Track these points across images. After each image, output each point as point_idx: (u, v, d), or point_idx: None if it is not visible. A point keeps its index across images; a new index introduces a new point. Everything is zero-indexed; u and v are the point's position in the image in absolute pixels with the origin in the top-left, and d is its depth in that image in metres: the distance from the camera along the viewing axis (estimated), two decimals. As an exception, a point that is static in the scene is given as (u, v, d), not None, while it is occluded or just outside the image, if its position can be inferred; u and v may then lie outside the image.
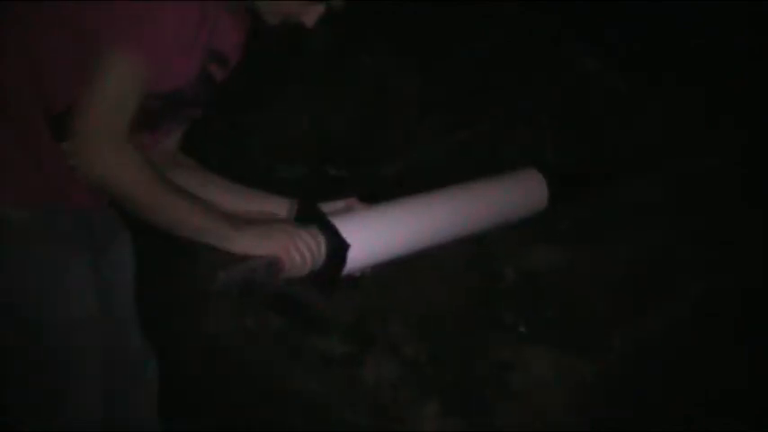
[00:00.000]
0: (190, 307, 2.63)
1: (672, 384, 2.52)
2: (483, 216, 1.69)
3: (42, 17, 1.37)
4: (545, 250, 2.88)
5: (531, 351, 2.65)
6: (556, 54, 3.43)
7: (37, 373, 1.46)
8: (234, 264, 1.33)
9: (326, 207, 1.52)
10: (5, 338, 1.45)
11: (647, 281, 2.79)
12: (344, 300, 2.71)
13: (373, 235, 1.48)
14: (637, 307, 2.74)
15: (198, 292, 2.46)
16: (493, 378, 2.60)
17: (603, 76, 3.35)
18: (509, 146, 3.19)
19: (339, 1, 1.41)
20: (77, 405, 1.48)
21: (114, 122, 1.29)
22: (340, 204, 1.55)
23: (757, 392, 2.44)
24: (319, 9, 1.41)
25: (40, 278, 1.43)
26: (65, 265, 1.46)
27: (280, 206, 1.57)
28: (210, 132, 2.83)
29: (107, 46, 1.28)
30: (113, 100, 1.29)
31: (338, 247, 1.41)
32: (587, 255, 2.87)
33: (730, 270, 2.76)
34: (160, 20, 1.28)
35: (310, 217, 1.45)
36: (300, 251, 1.36)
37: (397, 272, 2.56)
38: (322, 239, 1.41)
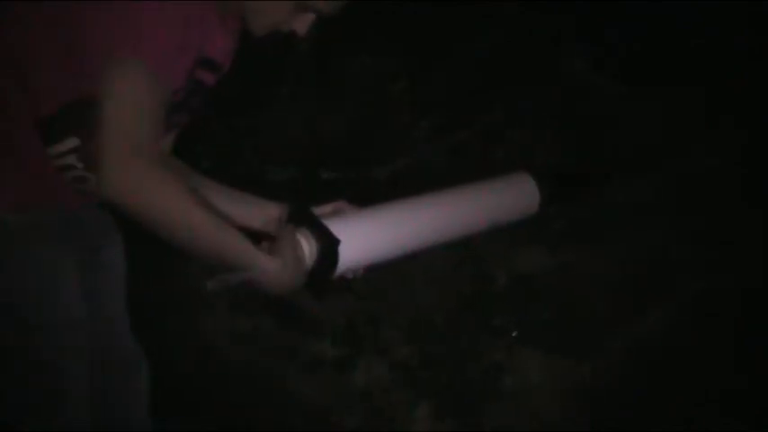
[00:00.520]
0: (184, 307, 2.64)
1: (672, 384, 2.51)
2: (471, 220, 1.69)
3: (30, 18, 1.34)
4: (538, 252, 2.88)
5: (524, 353, 2.65)
6: (556, 54, 3.42)
7: (25, 374, 1.46)
8: (220, 273, 1.32)
9: (315, 211, 1.51)
10: None
11: (647, 281, 2.78)
12: (336, 303, 2.70)
13: (362, 234, 1.49)
14: (636, 307, 2.73)
15: (192, 292, 2.47)
16: (486, 380, 2.60)
17: (603, 76, 3.34)
18: (508, 146, 3.19)
19: (330, 6, 1.36)
20: (64, 405, 1.48)
21: (138, 135, 1.15)
22: (328, 208, 1.55)
23: (757, 392, 2.43)
24: (310, 17, 1.38)
25: (28, 279, 1.44)
26: (52, 267, 1.46)
27: (271, 210, 1.56)
28: (202, 135, 2.85)
29: (112, 50, 1.19)
30: (133, 109, 1.16)
31: (329, 245, 1.41)
32: (587, 255, 2.86)
33: (730, 270, 2.75)
34: (158, 22, 1.23)
35: (301, 219, 1.46)
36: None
37: (387, 275, 2.58)
38: (313, 240, 1.41)
